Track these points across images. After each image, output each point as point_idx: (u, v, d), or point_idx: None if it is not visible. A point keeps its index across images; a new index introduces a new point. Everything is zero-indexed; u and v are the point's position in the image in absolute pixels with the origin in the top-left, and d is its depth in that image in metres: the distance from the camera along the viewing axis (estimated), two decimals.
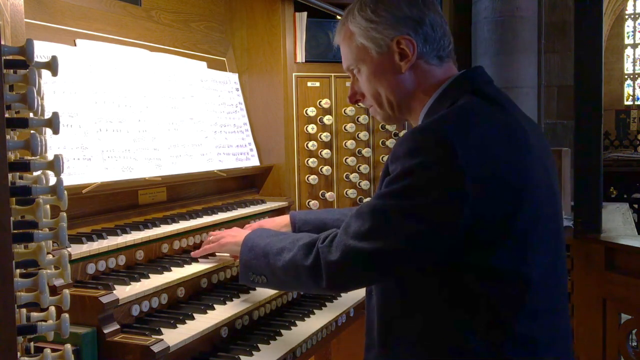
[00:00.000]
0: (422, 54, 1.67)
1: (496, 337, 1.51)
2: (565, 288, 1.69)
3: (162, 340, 1.66)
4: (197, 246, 2.35)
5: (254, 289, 2.24)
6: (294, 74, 3.11)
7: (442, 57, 1.70)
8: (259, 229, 2.08)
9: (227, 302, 2.09)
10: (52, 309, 1.19)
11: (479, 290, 1.51)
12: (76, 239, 1.92)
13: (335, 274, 1.64)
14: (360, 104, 1.85)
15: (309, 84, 3.14)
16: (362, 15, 1.69)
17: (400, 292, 1.63)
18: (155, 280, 1.95)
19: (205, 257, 2.24)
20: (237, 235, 2.16)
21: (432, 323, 1.57)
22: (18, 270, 1.14)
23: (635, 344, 3.32)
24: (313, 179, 3.11)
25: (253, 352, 1.96)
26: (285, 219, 2.42)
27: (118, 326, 1.69)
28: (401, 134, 3.27)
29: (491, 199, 1.46)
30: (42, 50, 2.06)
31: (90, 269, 1.91)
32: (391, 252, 1.54)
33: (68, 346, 1.18)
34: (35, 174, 1.19)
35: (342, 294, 2.62)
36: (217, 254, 2.26)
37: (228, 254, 2.23)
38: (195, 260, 2.19)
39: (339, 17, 3.26)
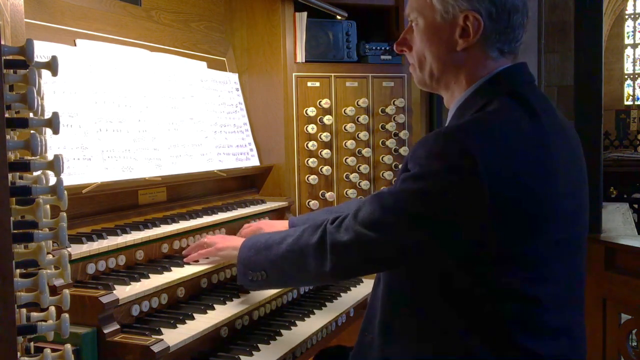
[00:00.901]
0: (484, 39, 1.56)
1: (502, 352, 1.49)
2: (581, 303, 1.64)
3: (162, 340, 1.66)
4: None
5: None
6: (294, 74, 3.11)
7: (504, 51, 1.59)
8: (256, 234, 2.06)
9: (227, 302, 2.09)
10: (52, 309, 1.19)
11: (489, 308, 1.49)
12: (76, 239, 1.92)
13: (340, 256, 1.63)
14: (405, 54, 1.74)
15: (309, 84, 3.14)
16: None
17: (407, 290, 1.63)
18: (155, 280, 1.95)
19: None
20: (235, 240, 2.12)
21: (435, 324, 1.56)
22: (18, 270, 1.14)
23: (635, 344, 3.32)
24: (313, 179, 3.11)
25: (253, 352, 1.96)
26: (284, 224, 2.40)
27: (118, 326, 1.69)
28: (401, 134, 3.28)
29: (508, 221, 1.43)
30: (42, 50, 2.06)
31: (90, 269, 1.91)
32: (395, 248, 1.55)
33: (68, 346, 1.18)
34: (35, 174, 1.19)
35: (342, 294, 2.62)
36: (210, 258, 2.21)
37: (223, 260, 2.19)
38: (195, 260, 2.18)
39: (339, 17, 3.26)
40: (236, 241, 2.08)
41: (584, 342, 1.65)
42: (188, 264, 2.15)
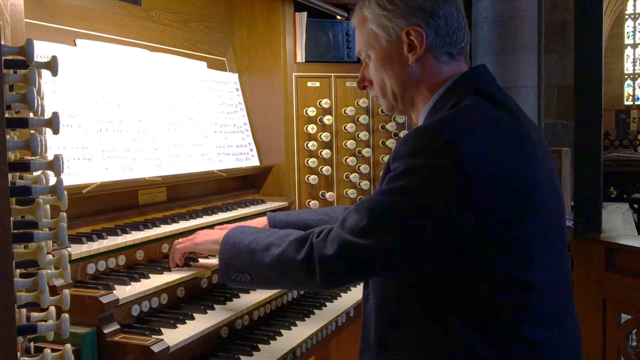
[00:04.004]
0: (431, 48, 1.63)
1: (503, 343, 1.48)
2: (570, 289, 1.66)
3: (162, 340, 1.66)
4: None
5: (255, 289, 2.23)
6: (294, 74, 3.11)
7: (453, 54, 1.66)
8: (239, 227, 1.97)
9: (227, 302, 2.09)
10: (52, 309, 1.19)
11: (483, 295, 1.48)
12: (76, 239, 1.92)
13: (330, 269, 1.59)
14: (368, 90, 1.81)
15: (309, 84, 3.14)
16: (376, 1, 1.67)
17: (400, 297, 1.60)
18: (155, 280, 1.95)
19: (186, 264, 2.13)
20: (213, 233, 2.04)
21: (434, 327, 1.54)
22: (18, 270, 1.14)
23: (635, 344, 3.32)
24: (313, 179, 3.11)
25: (253, 352, 1.96)
26: (262, 222, 2.30)
27: (118, 326, 1.69)
28: (401, 133, 3.27)
29: (496, 205, 1.44)
30: (42, 50, 2.06)
31: (90, 269, 1.91)
32: (387, 251, 1.51)
33: (68, 346, 1.18)
34: (35, 174, 1.19)
35: (342, 294, 2.62)
36: (199, 260, 2.17)
37: (207, 258, 2.12)
38: (195, 260, 2.18)
39: (339, 17, 3.27)
40: (215, 234, 2.00)
41: (578, 331, 1.66)
42: (188, 265, 2.14)
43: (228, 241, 1.86)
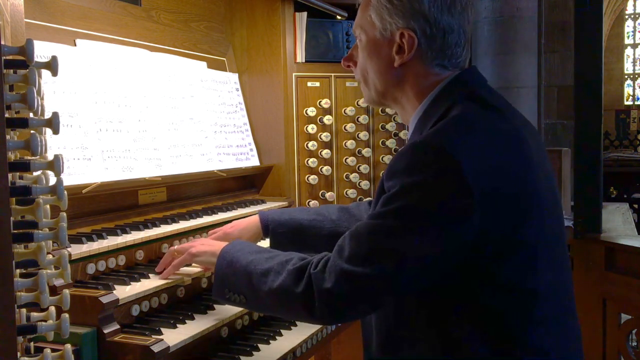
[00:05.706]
0: (421, 56, 1.58)
1: (507, 350, 1.47)
2: (571, 292, 1.64)
3: (162, 340, 1.66)
4: None
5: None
6: (294, 74, 3.11)
7: (446, 67, 1.61)
8: (237, 243, 1.86)
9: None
10: (52, 309, 1.19)
11: (486, 302, 1.47)
12: (76, 239, 1.92)
13: (330, 303, 1.51)
14: (352, 70, 1.76)
15: (309, 84, 3.14)
16: None
17: (402, 308, 1.57)
18: (155, 280, 1.95)
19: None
20: (212, 244, 1.94)
21: (436, 338, 1.51)
22: (18, 270, 1.14)
23: (635, 344, 3.32)
24: (313, 179, 3.11)
25: (253, 352, 1.96)
26: (254, 220, 2.20)
27: (118, 326, 1.69)
28: (401, 133, 3.27)
29: (498, 213, 1.42)
30: (42, 50, 2.06)
31: (90, 269, 1.91)
32: (392, 276, 1.45)
33: (68, 346, 1.18)
34: (35, 174, 1.19)
35: None
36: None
37: (198, 266, 2.06)
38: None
39: (339, 17, 3.27)
40: (214, 246, 1.90)
41: (579, 334, 1.64)
42: (188, 265, 2.14)
43: (225, 257, 1.78)
